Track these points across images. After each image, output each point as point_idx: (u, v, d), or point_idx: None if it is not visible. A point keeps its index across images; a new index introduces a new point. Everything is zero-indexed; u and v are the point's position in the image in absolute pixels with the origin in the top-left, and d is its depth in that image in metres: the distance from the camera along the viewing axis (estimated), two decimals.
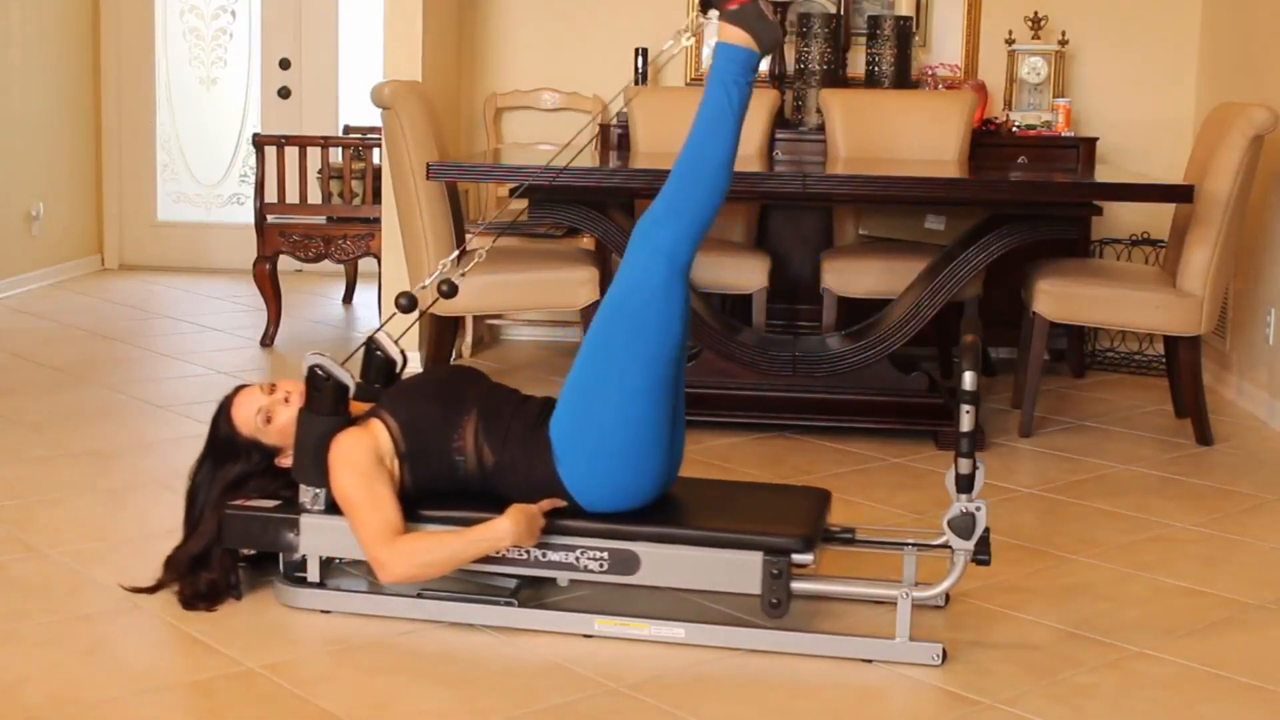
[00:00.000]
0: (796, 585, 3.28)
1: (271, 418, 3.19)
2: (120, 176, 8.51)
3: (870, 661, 3.00)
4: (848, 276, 5.49)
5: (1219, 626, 3.28)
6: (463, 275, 3.65)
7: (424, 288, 3.36)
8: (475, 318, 6.23)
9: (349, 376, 3.16)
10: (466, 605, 3.13)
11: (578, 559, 3.08)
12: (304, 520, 3.16)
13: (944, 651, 3.00)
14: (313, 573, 3.20)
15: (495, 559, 3.07)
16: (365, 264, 7.18)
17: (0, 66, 7.23)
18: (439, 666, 2.95)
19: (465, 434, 3.12)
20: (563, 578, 3.15)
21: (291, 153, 6.40)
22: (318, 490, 3.15)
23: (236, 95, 8.57)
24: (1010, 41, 6.24)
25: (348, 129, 7.50)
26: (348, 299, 7.54)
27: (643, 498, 3.12)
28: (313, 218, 6.41)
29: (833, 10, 6.36)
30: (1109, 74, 6.42)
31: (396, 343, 3.25)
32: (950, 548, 3.02)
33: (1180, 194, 4.64)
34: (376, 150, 6.19)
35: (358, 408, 3.21)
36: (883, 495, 4.22)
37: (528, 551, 3.07)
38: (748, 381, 4.84)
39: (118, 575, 3.38)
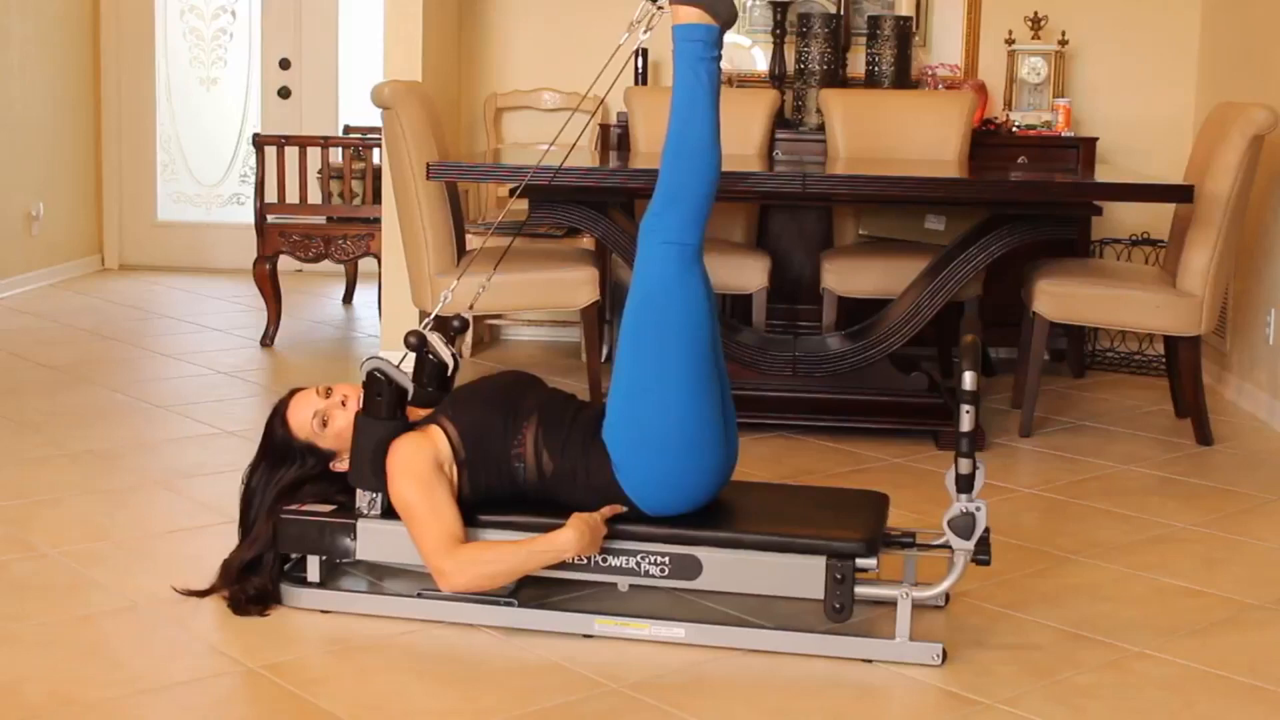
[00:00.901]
0: None
1: (328, 422, 3.17)
2: (120, 176, 8.51)
3: (870, 661, 3.00)
4: (848, 276, 5.49)
5: (1219, 626, 3.27)
6: (470, 309, 3.65)
7: (428, 326, 3.33)
8: (475, 317, 6.22)
9: (408, 381, 3.13)
10: (466, 605, 3.12)
11: (639, 564, 3.06)
12: (360, 525, 3.14)
13: (944, 651, 3.00)
14: (313, 573, 3.20)
15: (555, 566, 3.04)
16: (365, 264, 7.18)
17: (0, 66, 7.23)
18: (439, 666, 2.95)
19: (526, 441, 3.10)
20: (623, 583, 3.12)
21: (291, 153, 6.40)
22: (374, 495, 3.13)
23: (236, 95, 8.58)
24: (1010, 41, 6.24)
25: (348, 129, 7.50)
26: (348, 299, 7.54)
27: (702, 496, 3.10)
28: (313, 218, 6.41)
29: (833, 10, 6.36)
30: (1109, 74, 6.42)
31: (448, 345, 3.22)
32: (950, 548, 3.02)
33: (1180, 194, 4.64)
34: (376, 150, 6.19)
35: (412, 413, 3.18)
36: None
37: (588, 558, 3.06)
38: (748, 381, 4.84)
39: (118, 575, 3.38)
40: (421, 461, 3.04)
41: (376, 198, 6.17)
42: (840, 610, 2.99)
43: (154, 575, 3.36)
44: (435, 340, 3.20)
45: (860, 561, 2.99)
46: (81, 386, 5.38)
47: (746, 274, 5.49)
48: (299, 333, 6.60)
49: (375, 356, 3.13)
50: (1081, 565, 3.67)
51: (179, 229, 8.60)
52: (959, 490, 2.97)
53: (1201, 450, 4.87)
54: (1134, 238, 6.19)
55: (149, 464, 4.40)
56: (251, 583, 3.15)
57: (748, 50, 6.56)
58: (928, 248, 5.48)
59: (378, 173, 6.15)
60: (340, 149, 6.61)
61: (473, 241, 5.50)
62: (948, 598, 3.28)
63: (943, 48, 6.49)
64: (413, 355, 3.20)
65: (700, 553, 3.05)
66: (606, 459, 3.07)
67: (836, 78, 6.24)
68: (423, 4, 5.71)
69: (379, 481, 3.09)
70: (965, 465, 2.96)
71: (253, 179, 6.75)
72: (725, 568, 3.04)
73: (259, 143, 6.46)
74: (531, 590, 3.22)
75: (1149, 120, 6.39)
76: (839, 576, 2.98)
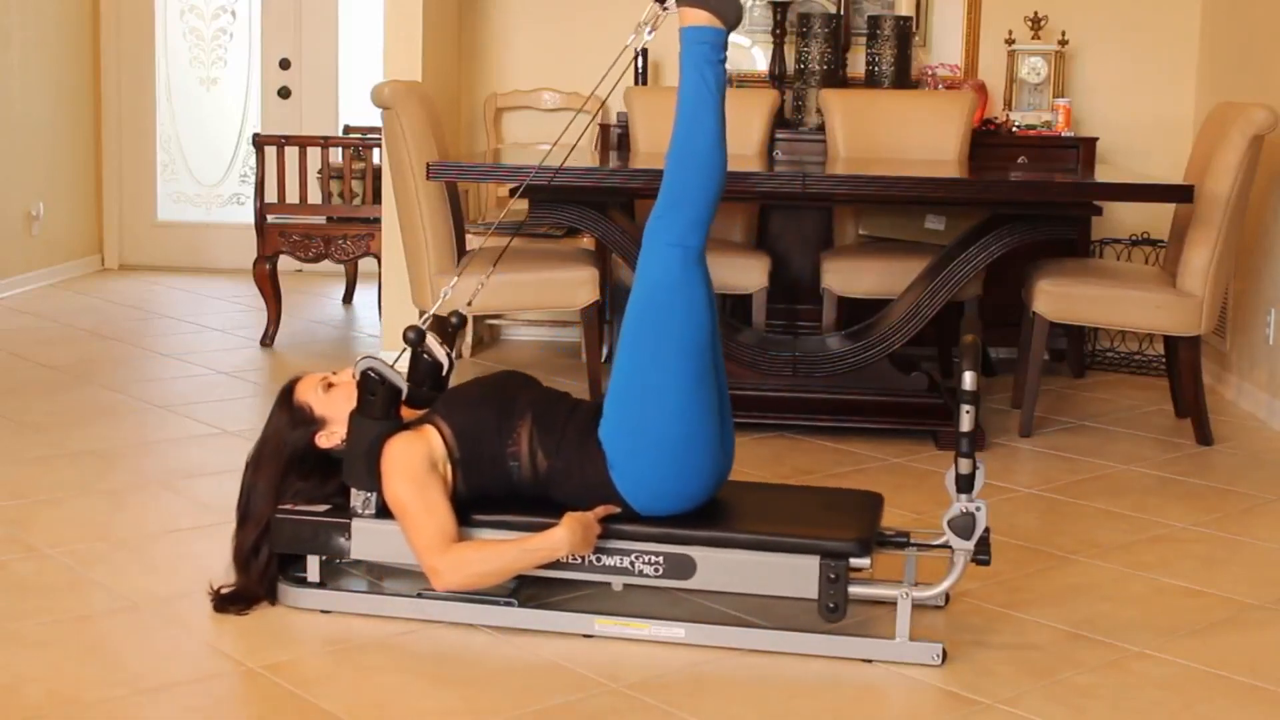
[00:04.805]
0: None
1: (333, 384, 3.18)
2: (120, 176, 8.51)
3: (870, 661, 3.00)
4: (848, 276, 5.49)
5: (1219, 626, 3.28)
6: (469, 305, 3.66)
7: (427, 322, 3.34)
8: (475, 317, 6.22)
9: (402, 381, 3.13)
10: (466, 605, 3.12)
11: (633, 564, 3.06)
12: (355, 525, 3.14)
13: (944, 651, 3.00)
14: (313, 573, 3.20)
15: (549, 565, 3.05)
16: (365, 264, 7.18)
17: (0, 66, 7.23)
18: (439, 666, 2.95)
19: (520, 440, 3.10)
20: (617, 582, 3.12)
21: (291, 153, 6.40)
22: (368, 494, 3.13)
23: (236, 95, 8.57)
24: (1010, 41, 6.24)
25: (348, 129, 7.50)
26: (348, 299, 7.54)
27: (696, 498, 3.10)
28: (313, 218, 6.41)
29: (833, 10, 6.35)
30: (1109, 74, 6.42)
31: (443, 345, 3.22)
32: (950, 548, 3.02)
33: (1180, 194, 4.64)
34: (376, 150, 6.19)
35: (406, 413, 3.18)
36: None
37: (582, 557, 3.06)
38: (748, 381, 4.84)
39: (118, 575, 3.38)
40: (415, 461, 3.04)
41: (376, 198, 6.18)
42: (835, 610, 2.99)
43: (154, 575, 3.36)
44: (431, 340, 3.21)
45: (854, 561, 3.00)
46: (81, 386, 5.38)
47: (746, 274, 5.49)
48: (299, 333, 6.59)
49: (369, 356, 3.13)
50: (1081, 565, 3.67)
51: (179, 229, 8.60)
52: (959, 490, 2.97)
53: (1201, 450, 4.87)
54: (1134, 238, 6.19)
55: (149, 464, 4.40)
56: (244, 580, 3.16)
57: (748, 50, 6.55)
58: (928, 248, 5.48)
59: (378, 173, 6.15)
60: (340, 149, 6.61)
61: (473, 241, 5.50)
62: (948, 598, 3.28)
63: (943, 48, 6.49)
64: (408, 354, 3.20)
65: (694, 552, 3.05)
66: (602, 458, 3.06)
67: (836, 78, 6.23)
68: (423, 4, 5.71)
69: (373, 481, 3.09)
70: (965, 465, 2.96)
71: (253, 179, 6.75)
72: (719, 567, 3.04)
73: (259, 143, 6.46)
74: (531, 590, 3.22)
75: (1149, 120, 6.39)
76: (833, 576, 2.98)
